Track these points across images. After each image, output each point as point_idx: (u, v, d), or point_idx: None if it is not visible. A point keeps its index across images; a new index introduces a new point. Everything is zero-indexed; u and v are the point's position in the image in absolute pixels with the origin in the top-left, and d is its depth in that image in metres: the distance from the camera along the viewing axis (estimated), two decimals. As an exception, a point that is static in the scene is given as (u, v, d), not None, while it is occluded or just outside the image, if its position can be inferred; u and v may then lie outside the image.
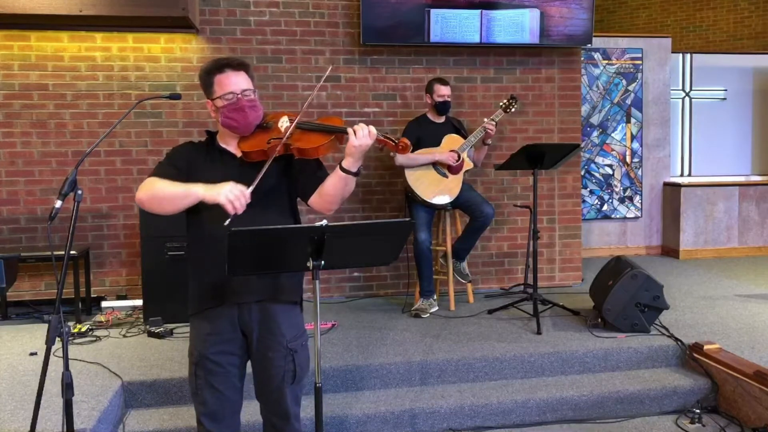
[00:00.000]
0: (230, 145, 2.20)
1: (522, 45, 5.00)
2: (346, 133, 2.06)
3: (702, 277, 5.53)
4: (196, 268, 2.17)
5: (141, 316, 4.28)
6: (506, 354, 3.55)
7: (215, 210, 2.00)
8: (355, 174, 2.09)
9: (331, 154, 2.27)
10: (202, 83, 2.19)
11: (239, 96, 2.12)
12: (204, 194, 1.99)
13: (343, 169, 2.07)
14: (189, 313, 2.21)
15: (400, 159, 4.28)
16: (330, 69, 2.28)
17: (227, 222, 1.92)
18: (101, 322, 4.21)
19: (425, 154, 4.29)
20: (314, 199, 2.19)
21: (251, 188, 1.98)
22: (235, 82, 2.13)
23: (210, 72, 2.15)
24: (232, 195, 1.93)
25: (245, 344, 2.18)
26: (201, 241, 2.13)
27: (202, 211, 2.10)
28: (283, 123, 2.18)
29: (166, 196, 2.04)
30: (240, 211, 1.95)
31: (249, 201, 1.97)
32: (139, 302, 4.49)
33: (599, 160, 6.51)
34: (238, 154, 2.18)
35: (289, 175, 2.22)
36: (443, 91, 4.37)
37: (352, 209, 4.96)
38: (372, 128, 2.05)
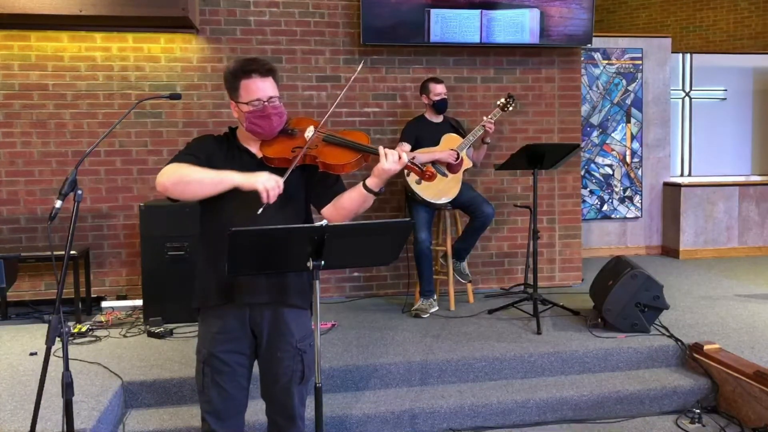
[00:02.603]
0: (251, 145, 2.20)
1: (522, 45, 4.99)
2: (375, 154, 2.09)
3: (702, 277, 5.53)
4: (209, 262, 2.15)
5: (141, 316, 4.28)
6: (506, 354, 3.55)
7: (237, 202, 2.03)
8: (377, 194, 2.11)
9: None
10: (227, 84, 2.17)
11: (265, 103, 2.11)
12: (241, 182, 1.99)
13: (366, 188, 2.09)
14: (194, 306, 2.20)
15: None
16: (352, 79, 2.29)
17: (260, 211, 1.96)
18: (101, 322, 4.21)
19: (425, 154, 4.29)
20: (328, 210, 2.20)
21: (285, 177, 2.02)
22: (262, 88, 2.11)
23: (236, 75, 2.13)
24: (269, 184, 1.96)
25: (254, 344, 2.19)
26: (217, 235, 2.09)
27: (223, 203, 2.09)
28: (309, 133, 2.18)
29: (195, 180, 2.02)
30: (273, 201, 1.97)
31: (281, 191, 1.99)
32: (139, 302, 4.49)
33: (599, 160, 6.51)
34: (259, 155, 2.18)
35: (307, 182, 2.22)
36: (439, 89, 4.38)
37: (352, 209, 4.95)
38: (403, 155, 2.06)
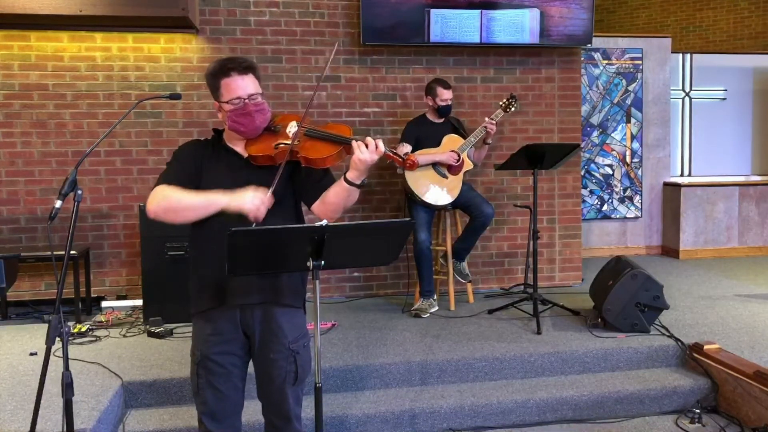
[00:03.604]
0: (237, 145, 2.19)
1: (522, 45, 4.99)
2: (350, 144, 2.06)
3: (702, 277, 5.53)
4: (198, 267, 2.16)
5: (141, 316, 4.28)
6: (506, 354, 3.55)
7: (222, 214, 2.01)
8: (360, 186, 2.07)
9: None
10: (209, 85, 2.16)
11: (246, 101, 2.09)
12: (228, 204, 1.98)
13: (347, 181, 2.06)
14: (191, 312, 2.20)
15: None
16: (327, 67, 2.26)
17: (253, 227, 1.95)
18: (101, 322, 4.21)
19: (425, 155, 4.28)
20: (317, 206, 2.18)
21: (271, 190, 2.00)
22: (242, 86, 2.09)
23: (216, 75, 2.12)
24: (256, 202, 1.96)
25: (247, 345, 2.18)
26: (205, 240, 2.11)
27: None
28: (291, 128, 2.17)
29: (186, 207, 2.02)
30: (261, 219, 1.96)
31: (270, 205, 1.98)
32: (139, 302, 4.49)
33: (599, 160, 6.51)
34: (245, 155, 2.17)
35: (295, 180, 2.21)
36: (446, 96, 4.36)
37: (352, 209, 4.95)
38: (380, 143, 2.02)
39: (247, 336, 2.16)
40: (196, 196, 2.03)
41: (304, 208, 2.28)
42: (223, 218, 2.01)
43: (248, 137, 2.16)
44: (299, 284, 2.23)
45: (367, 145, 2.01)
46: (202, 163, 2.15)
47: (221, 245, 1.89)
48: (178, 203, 2.02)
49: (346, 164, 2.09)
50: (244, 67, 2.12)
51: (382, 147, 2.02)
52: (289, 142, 2.11)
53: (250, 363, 2.24)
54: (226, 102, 2.10)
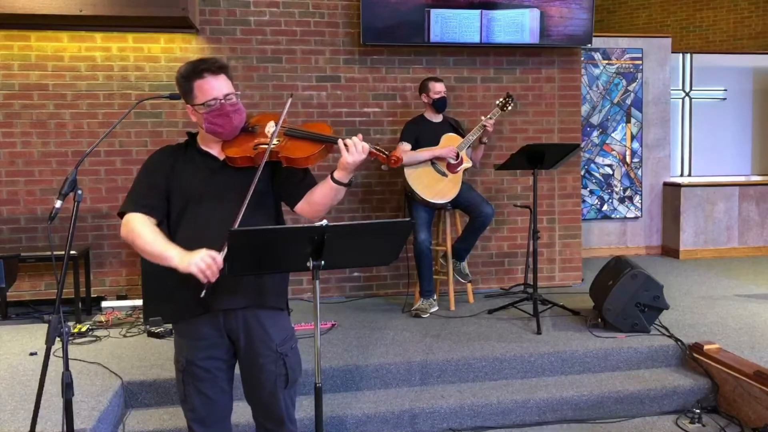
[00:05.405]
0: (212, 148, 2.16)
1: (522, 45, 4.99)
2: (336, 143, 2.05)
3: (702, 277, 5.53)
4: (179, 274, 2.08)
5: (141, 316, 4.28)
6: (506, 354, 3.55)
7: (200, 218, 2.04)
8: (347, 185, 2.07)
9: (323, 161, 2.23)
10: (181, 88, 2.12)
11: (222, 101, 2.06)
12: (178, 264, 1.96)
13: (335, 181, 2.05)
14: (171, 320, 2.18)
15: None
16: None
17: (203, 294, 1.94)
18: (101, 322, 4.21)
19: (425, 152, 4.28)
20: (302, 206, 2.16)
21: (223, 254, 1.93)
22: (217, 87, 2.06)
23: (188, 77, 2.08)
24: (203, 264, 1.90)
25: (232, 349, 2.15)
26: (186, 246, 2.05)
27: (185, 220, 2.09)
28: (270, 128, 2.14)
29: (143, 251, 2.04)
30: (213, 280, 1.92)
31: (221, 267, 1.91)
32: (139, 302, 4.48)
33: (599, 160, 6.51)
34: (221, 157, 2.14)
35: (275, 181, 2.18)
36: (439, 88, 4.38)
37: (352, 209, 4.96)
38: (365, 143, 2.02)
39: (231, 340, 2.14)
40: (153, 244, 2.02)
41: (285, 208, 2.26)
42: (196, 223, 2.04)
43: (226, 138, 2.13)
44: (283, 285, 2.21)
45: (355, 146, 2.01)
46: (174, 169, 2.12)
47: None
48: (138, 244, 2.04)
49: (330, 164, 2.08)
50: (217, 67, 2.09)
51: (367, 145, 2.03)
52: (268, 142, 2.08)
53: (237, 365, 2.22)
54: (201, 104, 2.07)
